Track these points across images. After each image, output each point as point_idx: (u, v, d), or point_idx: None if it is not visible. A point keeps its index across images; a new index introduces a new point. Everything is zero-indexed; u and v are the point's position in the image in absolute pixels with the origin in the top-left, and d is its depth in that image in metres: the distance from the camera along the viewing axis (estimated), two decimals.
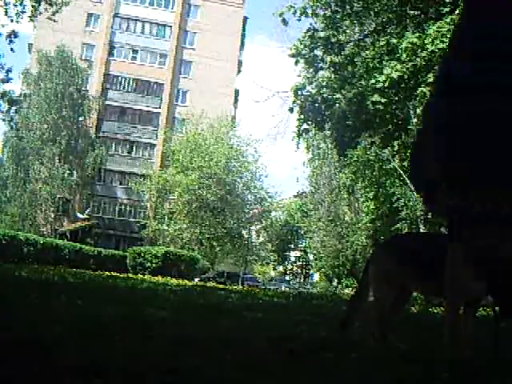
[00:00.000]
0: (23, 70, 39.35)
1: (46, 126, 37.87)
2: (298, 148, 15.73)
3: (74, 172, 38.54)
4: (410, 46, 10.14)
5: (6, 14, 15.35)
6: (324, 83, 13.81)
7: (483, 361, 2.54)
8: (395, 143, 17.95)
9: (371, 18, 13.66)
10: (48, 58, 38.73)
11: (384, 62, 11.21)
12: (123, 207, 42.83)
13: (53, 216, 37.16)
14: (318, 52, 13.88)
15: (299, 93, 14.53)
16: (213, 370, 1.95)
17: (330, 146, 27.41)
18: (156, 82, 44.53)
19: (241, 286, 21.75)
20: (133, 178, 41.23)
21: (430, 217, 20.15)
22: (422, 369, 2.19)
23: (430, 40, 9.73)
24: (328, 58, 13.60)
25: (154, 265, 17.01)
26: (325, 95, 13.51)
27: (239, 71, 48.30)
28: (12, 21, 15.48)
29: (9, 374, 1.61)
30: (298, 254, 53.77)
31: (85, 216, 29.18)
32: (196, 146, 34.15)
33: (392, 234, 22.62)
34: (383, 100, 11.28)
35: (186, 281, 13.35)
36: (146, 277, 13.40)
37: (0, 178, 39.60)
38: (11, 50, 16.96)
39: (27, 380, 1.59)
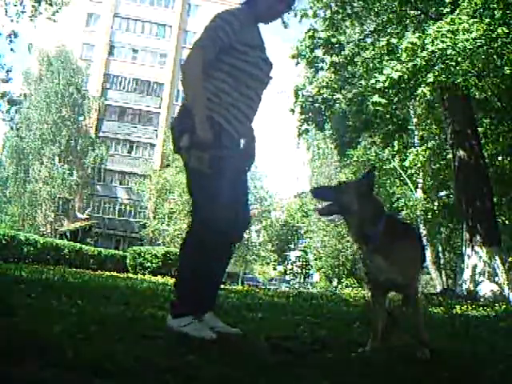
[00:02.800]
0: (23, 70, 39.34)
1: (45, 126, 37.87)
2: (298, 147, 15.80)
3: (74, 172, 38.52)
4: (409, 46, 10.14)
5: (6, 14, 15.37)
6: (324, 83, 13.84)
7: (483, 360, 2.54)
8: (395, 143, 18.00)
9: (371, 19, 13.68)
10: (48, 57, 38.73)
11: (384, 62, 11.22)
12: (123, 207, 42.83)
13: (53, 216, 37.14)
14: (319, 52, 13.90)
15: (300, 93, 14.56)
16: (213, 369, 1.95)
17: (330, 146, 27.42)
18: (156, 82, 44.54)
19: (241, 286, 21.74)
20: (133, 177, 41.23)
21: (429, 217, 20.17)
22: (421, 369, 2.19)
23: (430, 40, 9.73)
24: (328, 59, 13.63)
25: (154, 265, 16.98)
26: (325, 95, 13.54)
27: None
28: (12, 21, 15.50)
29: (9, 374, 1.61)
30: (298, 253, 53.75)
31: (85, 216, 29.09)
32: None
33: None
34: (383, 101, 11.30)
35: None
36: (145, 277, 13.39)
37: (0, 178, 39.60)
38: (11, 49, 16.96)
39: (27, 380, 1.59)
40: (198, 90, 2.55)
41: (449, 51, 9.54)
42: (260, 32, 2.85)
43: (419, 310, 2.59)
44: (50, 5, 15.67)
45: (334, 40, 13.26)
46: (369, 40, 13.47)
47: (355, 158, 19.88)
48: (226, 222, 2.58)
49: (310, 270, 50.30)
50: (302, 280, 50.86)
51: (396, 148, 18.36)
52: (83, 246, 18.84)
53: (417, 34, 10.38)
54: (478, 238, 11.47)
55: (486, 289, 11.00)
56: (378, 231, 2.46)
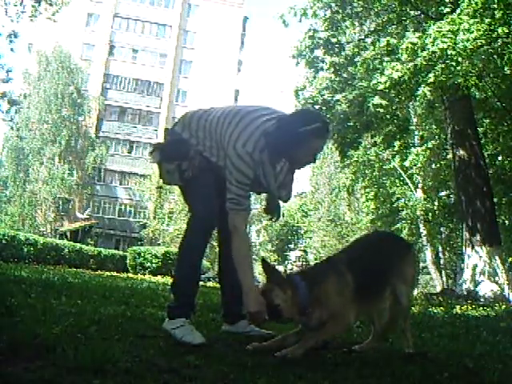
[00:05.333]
0: (23, 70, 39.32)
1: (45, 126, 37.86)
2: None
3: (74, 172, 38.50)
4: (410, 46, 10.14)
5: (6, 14, 15.37)
6: (324, 85, 13.83)
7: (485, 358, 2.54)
8: (396, 143, 18.00)
9: (371, 19, 13.68)
10: (46, 57, 38.70)
11: (384, 63, 11.21)
12: (123, 207, 42.82)
13: (53, 216, 37.12)
14: (319, 53, 13.89)
15: (300, 94, 14.54)
16: (212, 369, 1.95)
17: (330, 146, 27.40)
18: (156, 82, 44.52)
19: None
20: (133, 178, 41.23)
21: (429, 217, 20.16)
22: (421, 369, 2.19)
23: (431, 40, 9.72)
24: (328, 59, 13.61)
25: (154, 265, 16.96)
26: (325, 96, 13.53)
27: (239, 71, 48.32)
28: (12, 21, 15.51)
29: (9, 374, 1.61)
30: (298, 253, 53.77)
31: (85, 216, 29.13)
32: None
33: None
34: (384, 102, 11.28)
35: None
36: (146, 277, 13.38)
37: (0, 178, 39.58)
38: (11, 49, 16.98)
39: (27, 380, 1.59)
40: (243, 265, 2.57)
41: (449, 51, 9.53)
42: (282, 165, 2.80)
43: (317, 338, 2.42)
44: (50, 5, 15.67)
45: (334, 40, 13.25)
46: (369, 40, 13.46)
47: (355, 159, 19.87)
48: (209, 224, 2.72)
49: None
50: None
51: (396, 148, 18.35)
52: (83, 246, 18.83)
53: (417, 34, 10.38)
54: (478, 237, 11.47)
55: (486, 289, 10.99)
56: (305, 299, 2.35)
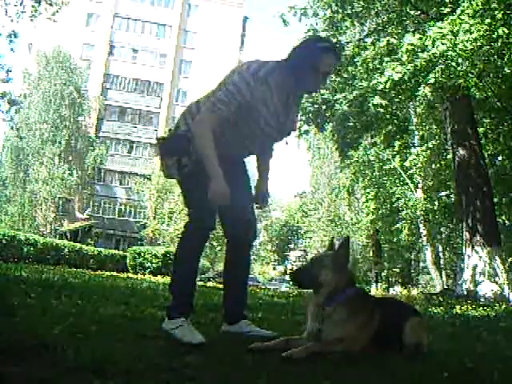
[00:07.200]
0: (23, 70, 39.32)
1: (45, 125, 37.87)
2: (298, 148, 15.77)
3: (74, 172, 38.51)
4: (410, 47, 10.13)
5: (6, 14, 15.37)
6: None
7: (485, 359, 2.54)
8: (396, 143, 18.00)
9: (371, 19, 13.66)
10: (46, 57, 38.72)
11: (384, 63, 11.20)
12: (123, 207, 42.83)
13: (53, 216, 37.13)
14: None
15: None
16: (213, 369, 1.95)
17: (330, 146, 27.41)
18: (156, 82, 44.55)
19: None
20: (133, 178, 41.24)
21: (429, 217, 20.16)
22: (421, 369, 2.19)
23: (431, 41, 9.71)
24: None
25: (154, 265, 16.94)
26: (325, 96, 13.52)
27: None
28: (12, 21, 15.50)
29: (9, 374, 1.61)
30: (298, 253, 53.85)
31: (85, 216, 29.08)
32: None
33: (392, 233, 22.64)
34: (385, 102, 11.27)
35: None
36: (145, 277, 13.37)
37: (0, 178, 39.60)
38: (11, 49, 16.97)
39: (27, 380, 1.59)
40: (206, 150, 2.56)
41: (449, 52, 9.52)
42: (295, 95, 2.82)
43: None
44: (50, 5, 15.66)
45: (333, 40, 13.22)
46: (369, 40, 13.44)
47: (355, 159, 19.86)
48: (205, 226, 2.71)
49: None
50: None
51: (396, 148, 18.36)
52: (83, 246, 18.81)
53: (417, 36, 10.36)
54: (478, 237, 11.46)
55: (486, 289, 10.99)
56: (338, 302, 2.43)
